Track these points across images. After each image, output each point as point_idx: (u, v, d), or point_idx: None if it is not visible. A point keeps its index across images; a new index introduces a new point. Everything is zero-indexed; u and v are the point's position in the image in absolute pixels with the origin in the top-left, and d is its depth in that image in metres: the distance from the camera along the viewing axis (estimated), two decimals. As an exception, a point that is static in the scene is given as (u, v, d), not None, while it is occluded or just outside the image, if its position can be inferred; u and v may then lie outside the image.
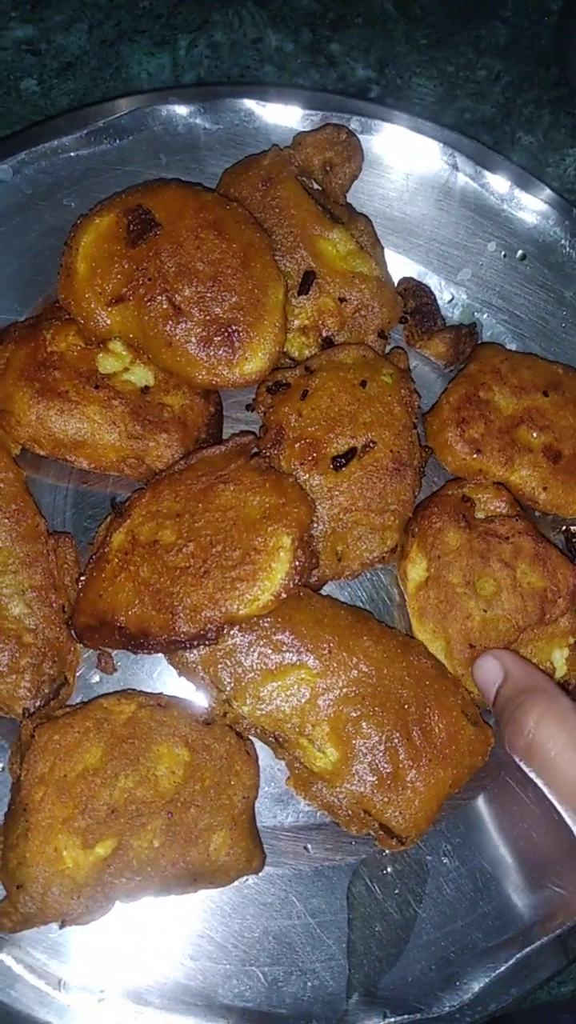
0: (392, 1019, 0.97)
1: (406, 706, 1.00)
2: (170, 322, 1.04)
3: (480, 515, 1.09)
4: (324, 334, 1.15)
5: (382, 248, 1.21)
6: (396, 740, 0.98)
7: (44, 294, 1.18)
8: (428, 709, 1.00)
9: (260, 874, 1.00)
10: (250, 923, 1.00)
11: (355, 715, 0.98)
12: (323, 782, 0.99)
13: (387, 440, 1.07)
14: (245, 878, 1.01)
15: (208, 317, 1.04)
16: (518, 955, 0.99)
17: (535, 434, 1.13)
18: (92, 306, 1.06)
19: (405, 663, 1.02)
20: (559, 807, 0.94)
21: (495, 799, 1.07)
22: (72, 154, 1.21)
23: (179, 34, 1.44)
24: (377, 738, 0.98)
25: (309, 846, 1.04)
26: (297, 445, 1.06)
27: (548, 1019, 1.13)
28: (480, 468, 1.12)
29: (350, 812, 0.99)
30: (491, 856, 1.04)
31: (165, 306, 1.04)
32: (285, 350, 1.15)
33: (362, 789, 0.98)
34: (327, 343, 1.15)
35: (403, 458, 1.08)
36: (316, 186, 1.21)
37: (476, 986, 0.98)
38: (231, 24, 1.45)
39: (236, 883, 1.00)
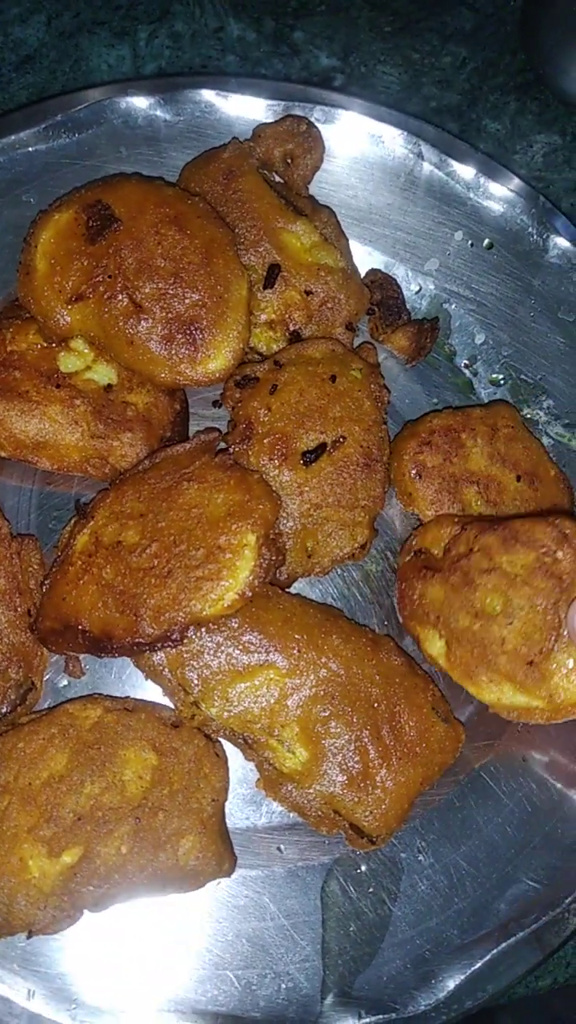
0: (367, 1019, 0.97)
1: (376, 704, 0.99)
2: (131, 320, 1.02)
3: (436, 551, 1.06)
4: (291, 328, 1.13)
5: (346, 239, 1.19)
6: (366, 739, 0.97)
7: (3, 293, 1.16)
8: (398, 707, 0.99)
9: (233, 876, 0.99)
10: (223, 926, 0.99)
11: (324, 714, 0.98)
12: (293, 783, 0.98)
13: (357, 435, 1.06)
14: (217, 881, 0.99)
15: (170, 315, 1.02)
16: (494, 951, 0.99)
17: (478, 502, 1.10)
18: (52, 304, 1.04)
19: (375, 661, 1.01)
20: None
21: (469, 795, 1.06)
22: (30, 149, 1.19)
23: (139, 25, 1.41)
24: (347, 737, 0.97)
25: (282, 847, 1.03)
26: (266, 440, 1.05)
27: (529, 1012, 1.12)
28: (409, 492, 1.10)
29: (320, 812, 0.99)
30: (465, 852, 1.04)
31: (126, 304, 1.02)
32: (252, 345, 1.14)
33: (332, 789, 0.97)
34: (295, 337, 1.13)
35: (373, 453, 1.07)
36: (278, 179, 1.19)
37: (452, 984, 0.97)
38: (192, 14, 1.43)
39: (209, 886, 0.99)
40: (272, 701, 0.98)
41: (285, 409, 1.05)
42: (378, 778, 0.97)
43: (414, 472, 1.10)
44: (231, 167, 1.15)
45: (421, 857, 1.03)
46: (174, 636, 0.93)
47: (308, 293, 1.12)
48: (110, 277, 1.02)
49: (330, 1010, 0.96)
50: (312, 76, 1.42)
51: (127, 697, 1.02)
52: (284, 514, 1.04)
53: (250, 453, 1.05)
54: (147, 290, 1.02)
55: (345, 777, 0.97)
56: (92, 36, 1.40)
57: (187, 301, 1.02)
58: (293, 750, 0.98)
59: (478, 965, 0.98)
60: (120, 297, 1.02)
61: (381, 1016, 0.96)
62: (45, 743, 0.94)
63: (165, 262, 1.02)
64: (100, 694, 1.02)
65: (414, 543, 1.09)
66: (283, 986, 0.97)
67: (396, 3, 1.48)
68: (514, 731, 1.09)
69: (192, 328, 1.02)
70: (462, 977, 0.97)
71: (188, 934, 0.99)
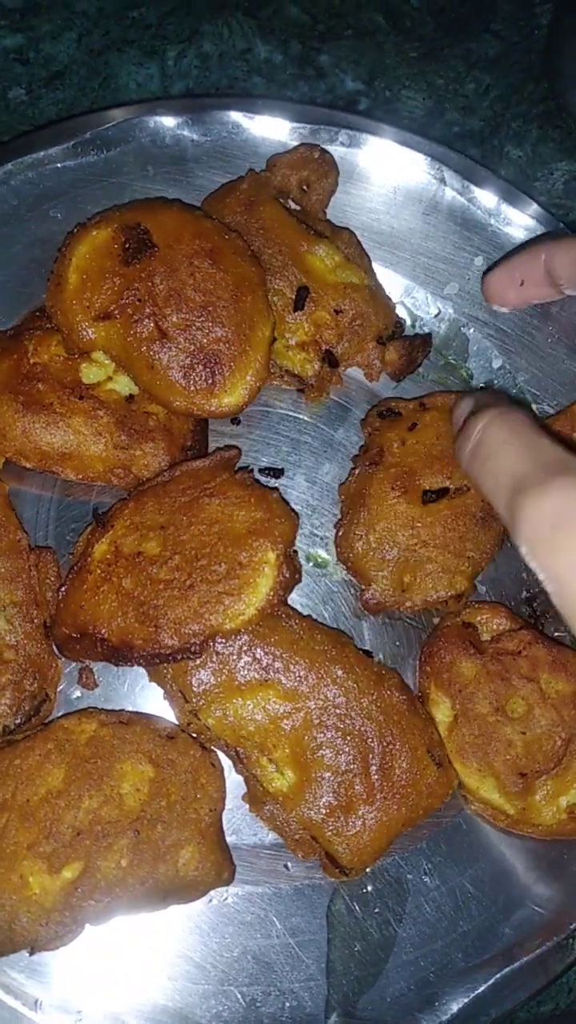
0: (371, 1040, 0.97)
1: (369, 740, 1.00)
2: (154, 345, 1.04)
3: (485, 637, 1.08)
4: (323, 347, 1.15)
5: (369, 258, 1.21)
6: (354, 772, 0.98)
7: (29, 307, 1.17)
8: (392, 745, 1.00)
9: (239, 893, 1.00)
10: (229, 942, 1.00)
11: (317, 742, 0.99)
12: (276, 803, 1.00)
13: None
14: (224, 896, 1.00)
15: (193, 346, 1.04)
16: (498, 975, 0.99)
17: None
18: (78, 319, 1.06)
19: (376, 696, 1.01)
20: (495, 509, 0.83)
21: (476, 818, 1.07)
22: (59, 165, 1.21)
23: (168, 44, 1.43)
24: (336, 768, 0.98)
25: (289, 864, 1.03)
26: (393, 470, 1.09)
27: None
28: None
29: (298, 836, 1.00)
30: (472, 875, 1.04)
31: (151, 329, 1.04)
32: (287, 367, 1.16)
33: (313, 816, 0.98)
34: (328, 356, 1.15)
35: (492, 511, 1.08)
36: (295, 206, 1.21)
37: (455, 1006, 0.98)
38: (220, 35, 1.44)
39: (215, 902, 1.00)
40: (267, 721, 0.99)
41: (419, 447, 1.09)
42: (360, 812, 0.98)
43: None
44: (250, 197, 1.16)
45: (427, 879, 1.04)
46: (194, 648, 0.95)
47: (337, 312, 1.14)
48: (139, 301, 1.04)
49: (334, 1029, 0.96)
50: (337, 99, 1.44)
51: (122, 710, 1.03)
52: (389, 543, 1.07)
53: (374, 478, 1.09)
54: (174, 319, 1.04)
55: (327, 807, 0.98)
56: (121, 54, 1.42)
57: (212, 335, 1.04)
58: (282, 771, 0.99)
59: (482, 989, 0.99)
60: (147, 322, 1.04)
61: (384, 1037, 0.96)
62: (42, 759, 0.95)
63: (195, 294, 1.04)
64: (95, 708, 1.03)
65: (464, 614, 1.10)
66: (287, 1004, 0.98)
67: (422, 29, 1.50)
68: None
69: (213, 362, 1.04)
70: (465, 1000, 0.98)
71: (193, 949, 1.00)
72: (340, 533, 1.10)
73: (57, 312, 1.07)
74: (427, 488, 1.08)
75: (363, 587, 1.09)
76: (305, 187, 1.20)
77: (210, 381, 1.04)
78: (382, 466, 1.09)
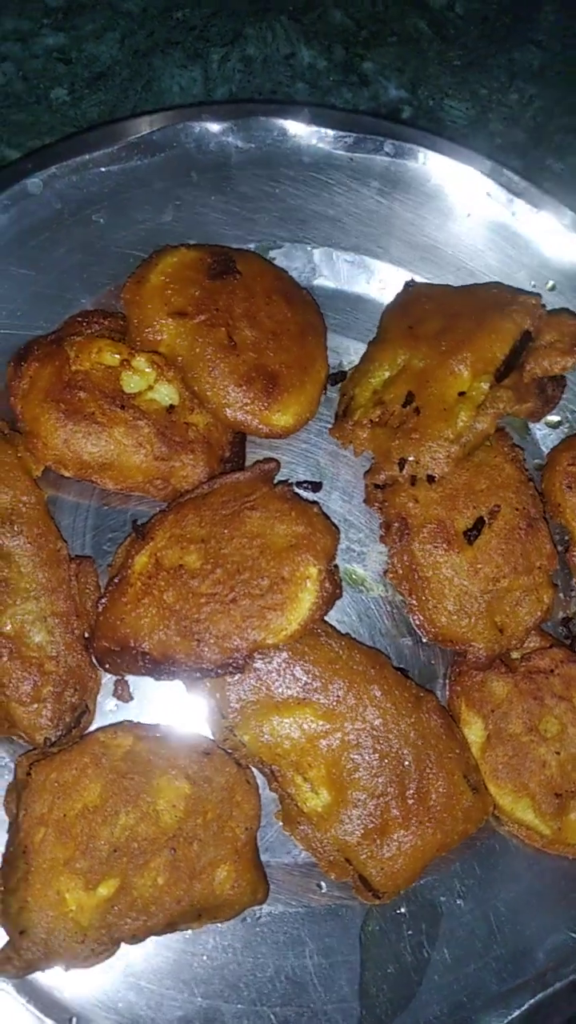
0: (404, 1063, 0.95)
1: (406, 763, 0.99)
2: (222, 351, 1.06)
3: (515, 655, 1.07)
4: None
5: None
6: (390, 796, 0.97)
7: (70, 312, 1.16)
8: (429, 769, 0.99)
9: (272, 912, 1.00)
10: (262, 962, 0.99)
11: (353, 763, 0.98)
12: (311, 823, 0.99)
13: (510, 500, 1.07)
14: (257, 915, 1.00)
15: (258, 361, 1.07)
16: (532, 1000, 0.99)
17: None
18: (154, 313, 1.08)
19: (414, 719, 1.01)
20: None
21: (510, 841, 1.06)
22: (103, 169, 1.19)
23: (212, 47, 1.41)
24: (372, 791, 0.97)
25: (322, 883, 1.03)
26: (425, 531, 1.06)
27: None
28: (558, 503, 1.12)
29: (332, 857, 0.99)
30: (506, 899, 1.03)
31: (223, 336, 1.07)
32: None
33: (347, 838, 0.97)
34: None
35: (531, 513, 1.08)
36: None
37: (489, 1032, 0.96)
38: (264, 38, 1.43)
39: (248, 920, 0.99)
40: (304, 740, 0.98)
41: (433, 496, 1.06)
42: (395, 836, 0.97)
43: (565, 484, 1.11)
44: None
45: (461, 902, 1.03)
46: (237, 663, 0.94)
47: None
48: (217, 310, 1.08)
49: (367, 1052, 0.95)
50: (380, 107, 1.43)
51: (157, 724, 1.02)
52: (466, 599, 1.04)
53: (413, 547, 1.05)
54: (246, 333, 1.08)
55: (362, 829, 0.97)
56: (165, 56, 1.41)
57: (276, 358, 1.09)
58: (317, 791, 0.99)
59: (515, 1014, 0.98)
60: (220, 329, 1.07)
61: (417, 1061, 0.95)
62: (79, 773, 0.94)
63: (268, 320, 1.10)
64: (131, 722, 1.02)
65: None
66: (320, 1025, 0.96)
67: (465, 38, 1.48)
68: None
69: (272, 380, 1.07)
70: (500, 1026, 0.96)
71: (226, 968, 0.99)
72: (418, 619, 1.06)
73: (133, 304, 1.09)
74: (465, 529, 1.06)
75: (466, 651, 1.04)
76: (543, 345, 1.11)
77: (266, 397, 1.07)
78: (414, 533, 1.06)
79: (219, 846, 0.94)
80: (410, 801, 0.98)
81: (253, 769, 1.01)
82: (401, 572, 1.07)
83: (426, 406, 1.06)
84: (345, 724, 0.98)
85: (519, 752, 1.03)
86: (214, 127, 1.21)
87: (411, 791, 0.98)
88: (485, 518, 1.06)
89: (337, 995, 0.98)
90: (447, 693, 1.09)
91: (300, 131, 1.22)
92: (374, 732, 0.98)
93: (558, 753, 1.02)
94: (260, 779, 1.01)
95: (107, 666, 0.99)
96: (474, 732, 1.06)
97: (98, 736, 0.97)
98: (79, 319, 1.14)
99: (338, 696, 0.99)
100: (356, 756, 0.98)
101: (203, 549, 0.99)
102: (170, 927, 0.93)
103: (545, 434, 1.22)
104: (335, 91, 1.42)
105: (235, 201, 1.21)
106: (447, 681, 1.10)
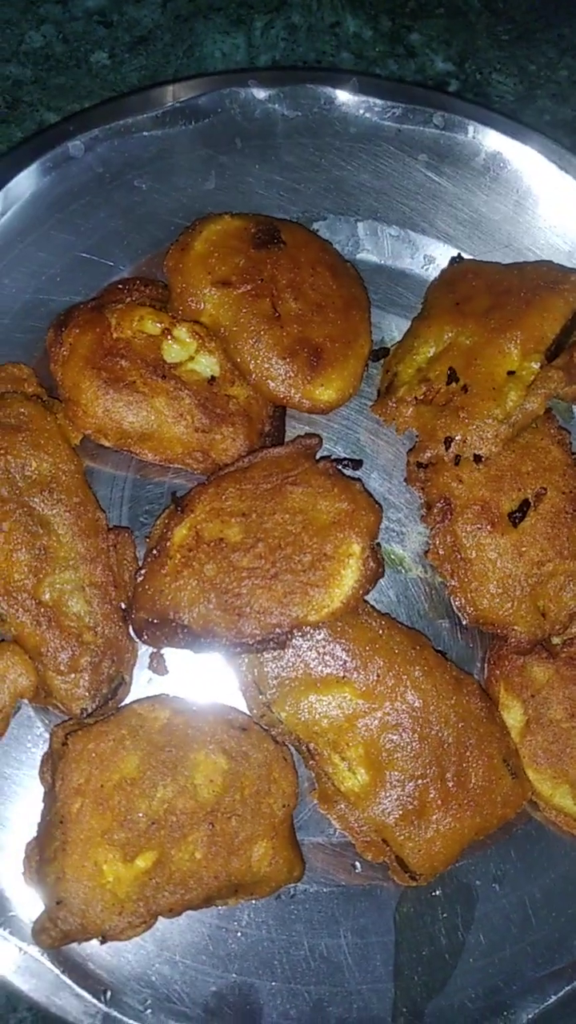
0: (438, 1046, 0.95)
1: (446, 745, 0.98)
2: (267, 323, 1.04)
3: (557, 641, 1.05)
4: None
5: None
6: (429, 778, 0.97)
7: (110, 279, 1.15)
8: (468, 752, 0.98)
9: (307, 891, 0.99)
10: (296, 940, 0.99)
11: (392, 744, 0.97)
12: (347, 803, 0.98)
13: (556, 483, 1.05)
14: (291, 893, 0.98)
15: (303, 334, 1.06)
16: (568, 987, 0.98)
17: None
18: (197, 282, 1.06)
19: (454, 701, 1.00)
20: None
21: (547, 827, 1.05)
22: (146, 133, 1.18)
23: (255, 14, 1.39)
24: (410, 772, 0.97)
25: (357, 863, 1.02)
26: (468, 512, 1.04)
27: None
28: None
29: (369, 838, 0.99)
30: (541, 885, 1.03)
31: (267, 306, 1.05)
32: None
33: (385, 819, 0.96)
34: None
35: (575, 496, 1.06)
36: None
37: (524, 1017, 0.97)
38: (309, 7, 1.40)
39: (282, 898, 0.99)
40: (342, 719, 0.97)
41: (477, 476, 1.04)
42: (433, 819, 0.96)
43: None
44: None
45: (496, 886, 1.02)
46: (279, 639, 0.93)
47: None
48: (262, 281, 1.05)
49: (401, 1034, 0.95)
50: (427, 80, 1.40)
51: (193, 699, 1.01)
52: (509, 582, 1.02)
53: (456, 528, 1.03)
54: (291, 305, 1.07)
55: (401, 811, 0.96)
56: (207, 22, 1.38)
57: (321, 332, 1.07)
58: (354, 771, 0.98)
59: (551, 1000, 0.97)
60: (265, 300, 1.05)
61: (452, 1044, 0.95)
62: (115, 745, 0.93)
63: (313, 293, 1.08)
64: (167, 695, 1.01)
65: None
66: (354, 1005, 0.97)
67: (514, 11, 1.45)
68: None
69: (316, 354, 1.06)
70: (535, 1011, 0.96)
71: (260, 945, 0.98)
72: (459, 601, 1.04)
73: (176, 272, 1.07)
74: (510, 511, 1.04)
75: (508, 635, 1.03)
76: None
77: (310, 370, 1.05)
78: (457, 514, 1.04)
79: (257, 822, 0.93)
80: (449, 784, 0.97)
81: (289, 747, 1.00)
82: (443, 553, 1.05)
83: (474, 384, 1.05)
84: (384, 704, 0.97)
85: (559, 738, 1.01)
86: (260, 94, 1.19)
87: (450, 774, 0.97)
88: (531, 500, 1.04)
89: (371, 975, 0.97)
90: (485, 676, 1.08)
91: (348, 100, 1.20)
92: (414, 713, 0.97)
93: None
94: (296, 757, 1.00)
95: (145, 638, 0.98)
96: (513, 716, 1.04)
97: (135, 708, 0.96)
98: (120, 286, 1.12)
99: (377, 676, 0.98)
100: (395, 737, 0.97)
101: (244, 523, 0.98)
102: (207, 902, 0.92)
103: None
104: (381, 62, 1.40)
105: (279, 170, 1.19)
106: (486, 664, 1.09)
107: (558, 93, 1.42)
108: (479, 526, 1.03)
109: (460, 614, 1.05)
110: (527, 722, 1.04)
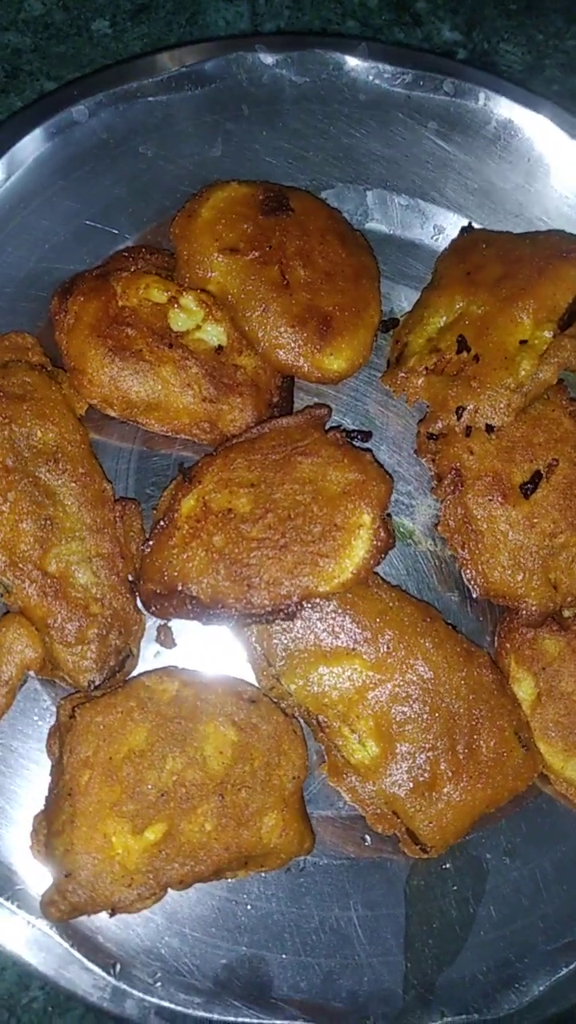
0: (449, 1018, 0.96)
1: (457, 717, 0.97)
2: (275, 291, 1.03)
3: (568, 614, 1.04)
4: None
5: None
6: (440, 750, 0.96)
7: (115, 247, 1.13)
8: (479, 724, 0.98)
9: (317, 863, 0.99)
10: (307, 912, 0.98)
11: (402, 716, 0.96)
12: (358, 775, 0.98)
13: (568, 454, 1.04)
14: (301, 866, 0.98)
15: (312, 303, 1.04)
16: (580, 960, 0.97)
17: None
18: (204, 248, 1.05)
19: (465, 673, 0.99)
20: None
21: (558, 800, 1.04)
22: (151, 99, 1.16)
23: (260, -20, 1.36)
24: (421, 744, 0.96)
25: (367, 836, 1.01)
26: (479, 483, 1.03)
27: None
28: None
29: (379, 810, 0.98)
30: (552, 858, 1.03)
31: (276, 273, 1.04)
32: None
33: (396, 791, 0.96)
34: None
35: None
36: None
37: (536, 989, 0.97)
38: (315, -27, 1.37)
39: (292, 871, 0.98)
40: (352, 691, 0.97)
41: (489, 447, 1.03)
42: (444, 791, 0.96)
43: None
44: None
45: (507, 859, 1.02)
46: (289, 610, 0.93)
47: None
48: (270, 248, 1.04)
49: (412, 1006, 0.96)
50: (434, 48, 1.38)
51: (202, 671, 1.00)
52: (520, 554, 1.01)
53: (467, 499, 1.02)
54: (300, 273, 1.05)
55: (411, 783, 0.96)
56: (211, -12, 1.35)
57: (330, 300, 1.06)
58: (364, 743, 0.97)
59: (563, 972, 0.97)
60: (273, 267, 1.04)
61: (463, 1016, 0.96)
62: (124, 716, 0.93)
63: (322, 261, 1.07)
64: (176, 667, 1.01)
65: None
66: (365, 978, 0.96)
67: (523, -21, 1.42)
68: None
69: (326, 323, 1.04)
70: (546, 983, 0.97)
71: (270, 918, 0.98)
72: (470, 573, 1.03)
73: (183, 239, 1.06)
74: (521, 482, 1.03)
75: (519, 607, 1.02)
76: None
77: (319, 339, 1.04)
78: (468, 486, 1.03)
79: (267, 794, 0.93)
80: (460, 756, 0.96)
81: (299, 719, 0.99)
82: (453, 525, 1.04)
83: (486, 354, 1.04)
84: (395, 676, 0.97)
85: (571, 711, 1.01)
86: (268, 59, 1.17)
87: (461, 746, 0.96)
88: (543, 472, 1.03)
89: (382, 948, 0.97)
90: (496, 649, 1.08)
91: (357, 66, 1.18)
92: (424, 685, 0.97)
93: None
94: (306, 730, 1.00)
95: (153, 609, 0.97)
96: (524, 689, 1.04)
97: (143, 680, 0.96)
98: (125, 254, 1.10)
99: (388, 647, 0.97)
100: (405, 708, 0.96)
101: (253, 494, 0.97)
102: (217, 874, 0.92)
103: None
104: (387, 30, 1.38)
105: (287, 137, 1.17)
106: (496, 638, 1.08)
107: (567, 63, 1.40)
108: (490, 497, 1.02)
109: (471, 586, 1.04)
110: (538, 695, 1.03)
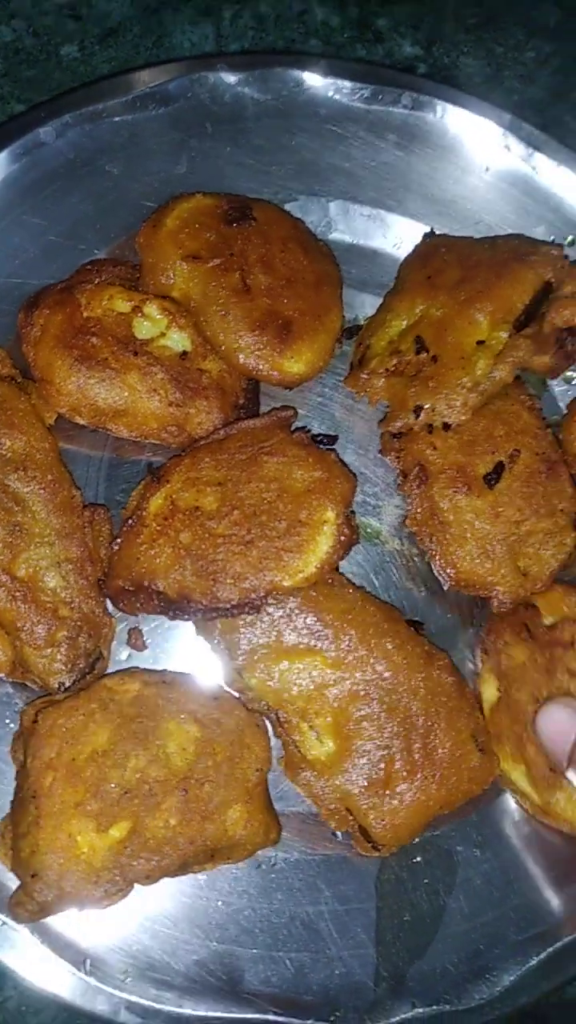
0: (420, 1009, 0.97)
1: (414, 718, 0.99)
2: (236, 296, 1.07)
3: (549, 621, 1.05)
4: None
5: None
6: (396, 749, 0.98)
7: (82, 261, 1.16)
8: (436, 726, 0.99)
9: (288, 859, 1.00)
10: (277, 908, 0.99)
11: (360, 714, 0.98)
12: (313, 771, 0.99)
13: (529, 445, 1.08)
14: (272, 862, 1.00)
15: (272, 307, 1.08)
16: (549, 949, 0.99)
17: None
18: (167, 256, 1.09)
19: (424, 675, 1.01)
20: None
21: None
22: (116, 119, 1.20)
23: (224, 4, 1.42)
24: (377, 742, 0.98)
25: (339, 832, 1.02)
26: (443, 476, 1.06)
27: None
28: None
29: (333, 806, 0.99)
30: (522, 849, 1.04)
31: (237, 279, 1.07)
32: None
33: (350, 788, 0.98)
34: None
35: (552, 456, 1.08)
36: None
37: (506, 979, 0.97)
38: (277, -5, 1.42)
39: (263, 867, 1.00)
40: (312, 687, 0.99)
41: (452, 442, 1.07)
42: (398, 790, 0.97)
43: None
44: None
45: (477, 851, 1.03)
46: (254, 603, 0.95)
47: None
48: (232, 255, 1.08)
49: (383, 998, 0.97)
50: (395, 64, 1.43)
51: (164, 670, 1.02)
52: (488, 542, 1.04)
53: (433, 493, 1.05)
54: (261, 279, 1.08)
55: (366, 781, 0.97)
56: (176, 13, 1.41)
57: (291, 305, 1.09)
58: (322, 739, 0.99)
59: (533, 962, 0.98)
60: (235, 274, 1.07)
61: (434, 1007, 0.96)
62: (86, 718, 0.95)
63: (283, 267, 1.10)
64: (138, 668, 1.03)
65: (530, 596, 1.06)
66: (336, 972, 0.97)
67: (481, -5, 1.47)
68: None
69: (286, 327, 1.08)
70: (517, 973, 0.98)
71: (241, 913, 0.99)
72: (438, 564, 1.06)
73: (147, 247, 1.10)
74: (485, 473, 1.05)
75: (489, 596, 1.04)
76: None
77: (280, 343, 1.07)
78: (432, 479, 1.06)
79: (230, 787, 0.94)
80: (415, 756, 0.98)
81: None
82: (420, 518, 1.07)
83: (444, 354, 1.07)
84: (355, 674, 0.98)
85: (520, 720, 1.01)
86: (230, 78, 1.21)
87: (417, 746, 0.98)
88: (505, 462, 1.06)
89: (353, 941, 0.98)
90: (477, 651, 1.09)
91: (317, 83, 1.22)
92: (383, 684, 0.99)
93: None
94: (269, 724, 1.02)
95: (121, 605, 0.99)
96: (488, 691, 1.06)
97: (105, 682, 0.98)
98: (89, 267, 1.14)
99: (349, 646, 0.99)
100: (364, 707, 0.98)
101: (219, 492, 1.00)
102: (183, 868, 0.93)
103: (563, 390, 1.22)
104: (349, 48, 1.42)
105: (250, 153, 1.22)
106: (468, 637, 1.10)
107: (525, 74, 1.44)
108: (455, 489, 1.05)
109: (440, 578, 1.06)
110: (499, 699, 1.04)
